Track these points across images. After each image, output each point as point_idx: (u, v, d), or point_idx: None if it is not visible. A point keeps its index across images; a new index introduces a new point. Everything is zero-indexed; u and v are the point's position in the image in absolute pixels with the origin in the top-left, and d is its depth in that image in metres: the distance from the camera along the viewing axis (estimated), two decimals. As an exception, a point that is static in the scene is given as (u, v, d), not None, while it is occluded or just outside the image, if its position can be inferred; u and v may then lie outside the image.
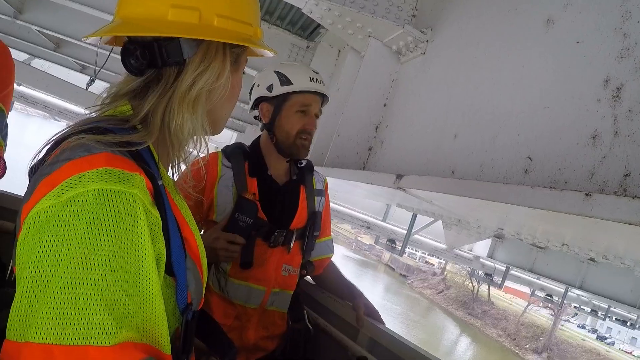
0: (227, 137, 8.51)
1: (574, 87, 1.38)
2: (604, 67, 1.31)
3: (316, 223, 1.96)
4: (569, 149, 1.30)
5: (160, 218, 0.83)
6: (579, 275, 7.16)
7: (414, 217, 7.43)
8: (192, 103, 0.91)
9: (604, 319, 12.60)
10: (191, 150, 1.00)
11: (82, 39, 0.96)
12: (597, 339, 43.01)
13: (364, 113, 2.58)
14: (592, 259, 7.16)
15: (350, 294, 2.13)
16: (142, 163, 0.84)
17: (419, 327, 35.20)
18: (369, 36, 2.64)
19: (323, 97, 1.90)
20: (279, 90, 1.83)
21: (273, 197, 1.87)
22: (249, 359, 1.87)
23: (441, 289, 47.84)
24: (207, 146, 1.00)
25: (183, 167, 1.03)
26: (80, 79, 9.61)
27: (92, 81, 1.20)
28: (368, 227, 9.14)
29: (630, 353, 41.94)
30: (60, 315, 0.67)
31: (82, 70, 9.82)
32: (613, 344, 42.99)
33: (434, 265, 54.45)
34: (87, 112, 0.94)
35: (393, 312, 35.18)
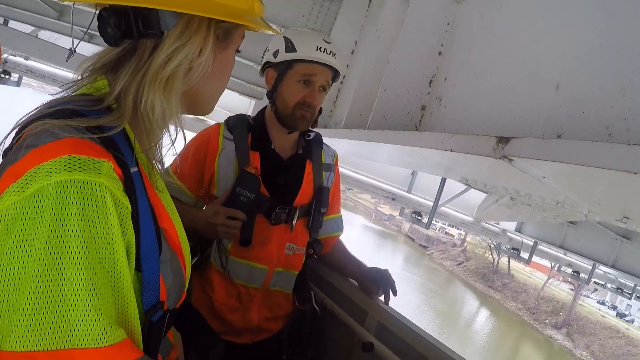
0: (244, 104, 7.96)
1: None
2: None
3: (323, 199, 1.88)
4: None
5: (130, 207, 0.77)
6: (612, 253, 6.76)
7: (441, 188, 6.95)
8: (165, 82, 0.83)
9: (630, 298, 12.24)
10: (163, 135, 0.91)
11: (58, 2, 0.68)
12: (616, 315, 42.28)
13: (414, 64, 2.06)
14: (626, 237, 6.63)
15: (359, 273, 2.02)
16: (112, 149, 0.77)
17: (439, 298, 35.26)
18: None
19: (335, 72, 1.77)
20: (283, 56, 1.73)
21: (276, 172, 1.80)
22: (253, 340, 1.82)
23: (461, 261, 47.72)
24: (182, 131, 0.90)
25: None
26: (89, 50, 9.16)
27: (71, 52, 1.11)
28: (393, 199, 8.65)
29: (650, 332, 41.09)
30: (36, 320, 0.64)
31: (90, 40, 9.37)
32: (633, 321, 42.19)
33: (453, 236, 54.16)
34: (61, 90, 0.86)
35: (413, 283, 35.40)
